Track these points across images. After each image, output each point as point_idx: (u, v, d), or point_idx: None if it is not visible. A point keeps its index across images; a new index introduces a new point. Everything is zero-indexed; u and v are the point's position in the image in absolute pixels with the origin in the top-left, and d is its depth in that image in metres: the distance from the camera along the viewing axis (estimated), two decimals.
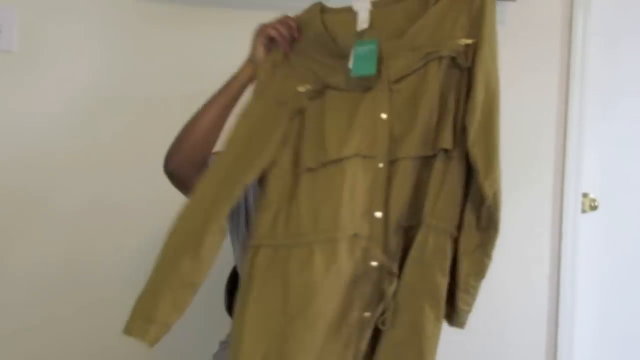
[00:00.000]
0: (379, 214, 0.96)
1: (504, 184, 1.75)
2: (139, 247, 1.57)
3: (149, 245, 1.57)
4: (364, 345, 0.96)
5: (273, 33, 1.10)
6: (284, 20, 1.12)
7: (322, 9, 1.10)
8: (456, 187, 0.95)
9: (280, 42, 1.10)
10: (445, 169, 0.94)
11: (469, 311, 1.02)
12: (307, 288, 0.92)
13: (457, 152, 0.94)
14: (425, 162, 0.97)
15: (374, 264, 0.96)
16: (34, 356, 1.53)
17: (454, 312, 1.01)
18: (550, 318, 1.83)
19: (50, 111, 1.51)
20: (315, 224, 0.95)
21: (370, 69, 0.99)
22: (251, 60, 1.11)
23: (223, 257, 1.41)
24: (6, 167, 1.50)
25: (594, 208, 1.87)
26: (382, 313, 0.95)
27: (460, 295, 1.00)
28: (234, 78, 1.11)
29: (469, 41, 0.95)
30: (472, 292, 1.01)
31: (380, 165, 0.97)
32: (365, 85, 1.00)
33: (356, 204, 0.95)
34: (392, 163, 0.97)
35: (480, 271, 1.01)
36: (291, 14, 1.62)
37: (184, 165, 1.13)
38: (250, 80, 1.11)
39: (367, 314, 0.96)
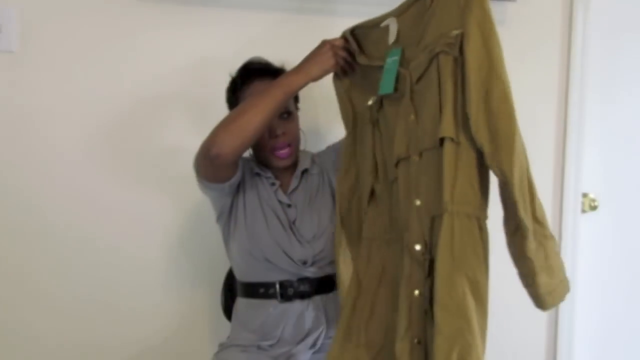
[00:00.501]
0: (418, 202, 1.02)
1: None
2: (140, 246, 1.57)
3: (149, 244, 1.57)
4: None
5: (340, 62, 1.21)
6: (341, 45, 1.22)
7: (353, 29, 1.23)
8: (471, 171, 0.97)
9: (345, 68, 1.23)
10: (457, 156, 0.96)
11: (545, 293, 1.03)
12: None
13: (463, 138, 0.96)
14: (439, 152, 0.98)
15: (418, 247, 1.01)
16: (31, 354, 1.53)
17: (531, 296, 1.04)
18: (550, 318, 1.83)
19: (50, 111, 1.51)
20: (397, 223, 1.10)
21: (389, 88, 1.08)
22: (306, 74, 1.19)
23: (220, 257, 1.42)
24: (6, 166, 1.50)
25: (594, 208, 1.87)
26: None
27: (524, 280, 1.03)
28: (289, 83, 1.19)
29: (458, 31, 0.96)
30: (530, 275, 1.01)
31: (416, 158, 1.03)
32: (402, 89, 1.07)
33: (403, 200, 1.06)
34: (420, 155, 1.02)
35: (523, 253, 1.00)
36: (291, 13, 1.63)
37: (238, 149, 1.18)
38: (302, 87, 1.21)
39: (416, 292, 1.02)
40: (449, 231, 0.96)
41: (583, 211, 1.85)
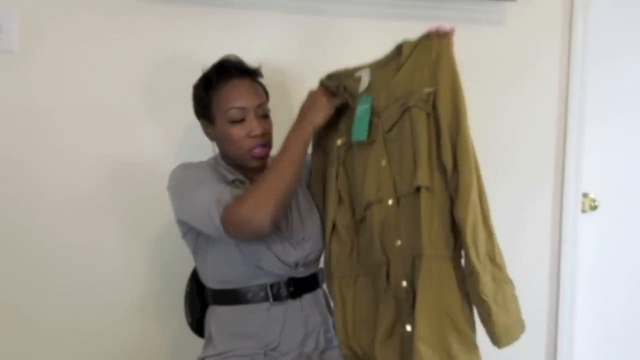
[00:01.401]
0: (399, 242, 1.13)
1: (504, 184, 1.76)
2: (141, 245, 1.57)
3: (151, 243, 1.57)
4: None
5: (335, 104, 1.26)
6: (329, 94, 1.28)
7: (328, 77, 1.30)
8: (445, 217, 1.07)
9: (339, 107, 1.28)
10: (432, 203, 1.07)
11: (501, 332, 1.09)
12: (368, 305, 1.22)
13: (437, 187, 1.07)
14: (416, 198, 1.09)
15: (404, 284, 1.12)
16: (29, 352, 1.54)
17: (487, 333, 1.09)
18: (550, 318, 1.83)
19: (50, 111, 1.51)
20: (366, 259, 1.21)
21: (362, 135, 1.18)
22: (312, 123, 1.23)
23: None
24: (6, 166, 1.50)
25: (594, 208, 1.87)
26: None
27: (481, 318, 1.08)
28: (302, 136, 1.22)
29: (430, 89, 1.08)
30: (486, 314, 1.07)
31: (390, 202, 1.14)
32: (372, 137, 1.18)
33: (377, 240, 1.15)
34: (397, 200, 1.14)
35: (477, 294, 1.06)
36: (291, 14, 1.63)
37: (278, 219, 1.20)
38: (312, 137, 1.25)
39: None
40: (428, 274, 1.06)
41: (583, 211, 1.85)
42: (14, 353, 1.52)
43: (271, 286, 1.24)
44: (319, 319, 1.28)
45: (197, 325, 1.38)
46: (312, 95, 1.28)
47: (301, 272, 1.27)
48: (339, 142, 1.28)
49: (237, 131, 1.24)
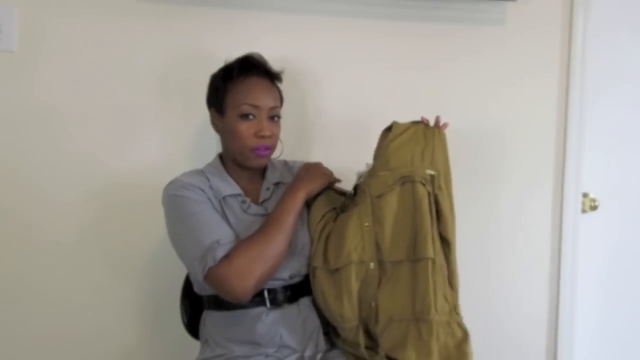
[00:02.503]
0: (373, 304, 1.19)
1: (505, 184, 1.76)
2: (142, 245, 1.57)
3: (151, 243, 1.57)
4: None
5: (331, 180, 1.35)
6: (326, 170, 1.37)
7: None
8: (445, 285, 1.19)
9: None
10: (434, 273, 1.16)
11: None
12: None
13: (439, 258, 1.18)
14: (407, 266, 1.18)
15: (365, 342, 1.21)
16: (27, 353, 1.53)
17: None
18: (550, 318, 1.83)
19: (50, 111, 1.51)
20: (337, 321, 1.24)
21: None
22: (305, 189, 1.28)
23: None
24: (6, 166, 1.50)
25: (594, 208, 1.87)
26: None
27: None
28: (291, 207, 1.24)
29: (433, 172, 1.22)
30: None
31: (372, 265, 1.20)
32: (357, 199, 1.26)
33: (353, 300, 1.20)
34: (380, 264, 1.20)
35: None
36: (291, 14, 1.63)
37: (260, 288, 1.20)
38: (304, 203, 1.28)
39: None
40: (435, 336, 1.15)
41: (583, 211, 1.85)
42: (14, 354, 1.52)
43: (268, 291, 1.23)
44: (317, 322, 1.27)
45: (193, 327, 1.37)
46: (310, 164, 1.36)
47: (298, 279, 1.27)
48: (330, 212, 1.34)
49: (246, 127, 1.24)
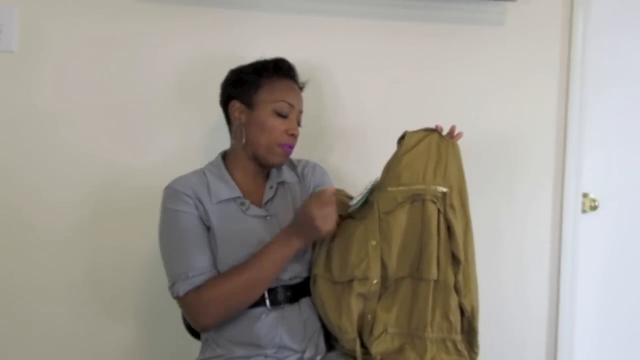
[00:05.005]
0: (369, 317, 1.19)
1: (505, 184, 1.76)
2: (143, 245, 1.57)
3: (153, 244, 1.57)
4: None
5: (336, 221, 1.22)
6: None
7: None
8: (445, 304, 1.16)
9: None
10: (435, 293, 1.16)
11: None
12: None
13: (442, 276, 1.16)
14: (409, 282, 1.18)
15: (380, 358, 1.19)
16: (28, 352, 1.54)
17: None
18: (551, 318, 1.83)
19: (50, 111, 1.51)
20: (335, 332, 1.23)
21: (357, 204, 1.23)
22: (304, 243, 1.21)
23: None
24: (6, 166, 1.50)
25: (594, 208, 1.87)
26: None
27: None
28: (279, 257, 1.19)
29: (444, 189, 1.17)
30: None
31: (375, 281, 1.18)
32: (365, 213, 1.22)
33: (352, 314, 1.18)
34: (383, 280, 1.18)
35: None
36: (289, 13, 1.63)
37: (222, 323, 1.21)
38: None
39: None
40: (430, 350, 1.15)
41: (583, 211, 1.85)
42: (13, 354, 1.52)
43: (268, 291, 1.22)
44: (318, 324, 1.26)
45: (192, 331, 1.37)
46: (320, 202, 1.16)
47: (297, 280, 1.26)
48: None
49: (278, 124, 1.26)
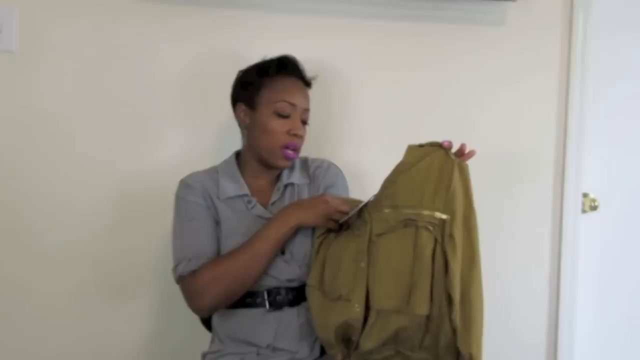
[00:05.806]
0: (354, 338, 1.11)
1: (505, 184, 1.76)
2: (147, 247, 1.57)
3: (157, 244, 1.57)
4: None
5: (335, 221, 1.20)
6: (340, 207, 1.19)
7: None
8: (437, 341, 1.06)
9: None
10: (428, 327, 1.05)
11: None
12: None
13: (435, 314, 1.04)
14: (395, 318, 1.05)
15: None
16: (32, 351, 1.54)
17: None
18: (551, 318, 1.83)
19: (50, 111, 1.51)
20: (323, 343, 1.21)
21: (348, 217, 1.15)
22: (298, 220, 1.19)
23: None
24: (6, 166, 1.50)
25: (594, 208, 1.87)
26: None
27: None
28: (275, 232, 1.18)
29: (444, 217, 1.03)
30: None
31: (357, 309, 1.09)
32: (358, 231, 1.14)
33: (338, 333, 1.13)
34: (367, 308, 1.09)
35: None
36: (292, 14, 1.63)
37: (219, 308, 1.23)
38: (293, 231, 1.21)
39: None
40: None
41: (583, 211, 1.85)
42: (17, 351, 1.52)
43: (269, 292, 1.23)
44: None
45: (207, 321, 1.38)
46: (317, 198, 1.22)
47: (298, 283, 1.25)
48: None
49: (279, 125, 1.25)
